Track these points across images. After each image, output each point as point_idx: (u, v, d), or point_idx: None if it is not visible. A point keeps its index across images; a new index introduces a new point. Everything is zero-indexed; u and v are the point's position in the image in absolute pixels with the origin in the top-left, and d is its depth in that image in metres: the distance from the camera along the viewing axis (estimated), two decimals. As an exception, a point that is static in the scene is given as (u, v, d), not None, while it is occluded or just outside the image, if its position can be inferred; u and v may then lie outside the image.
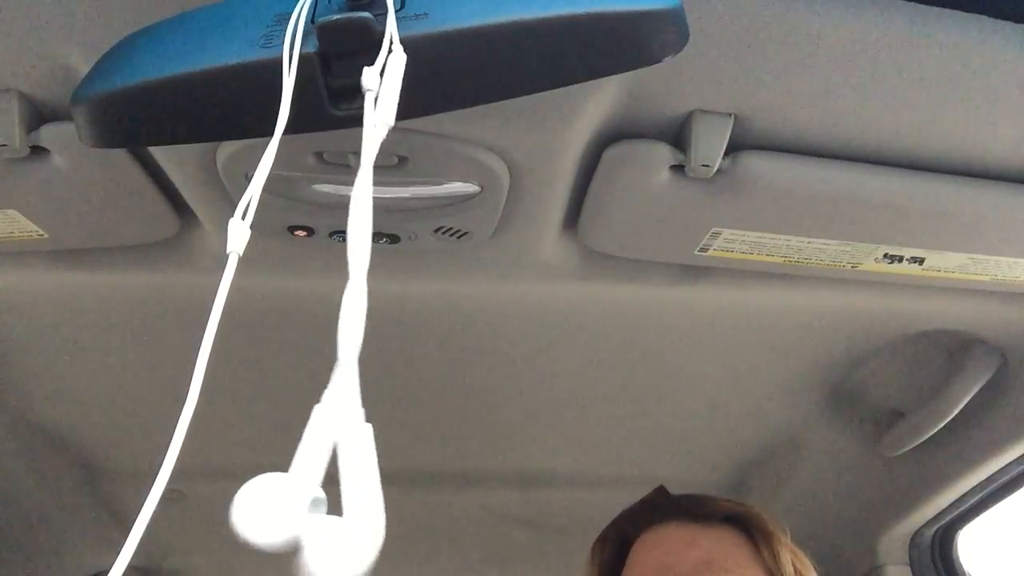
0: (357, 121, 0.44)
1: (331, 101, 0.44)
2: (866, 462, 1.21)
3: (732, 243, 0.78)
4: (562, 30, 0.43)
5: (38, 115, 0.64)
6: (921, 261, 0.80)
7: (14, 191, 0.70)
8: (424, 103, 0.45)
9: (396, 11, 0.42)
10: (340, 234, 0.75)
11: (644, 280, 0.87)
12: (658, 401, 1.14)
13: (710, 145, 0.66)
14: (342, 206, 0.73)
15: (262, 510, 0.25)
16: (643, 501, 1.01)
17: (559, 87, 0.47)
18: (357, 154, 0.67)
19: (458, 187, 0.69)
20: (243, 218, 0.35)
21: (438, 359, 1.03)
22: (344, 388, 0.28)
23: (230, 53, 0.44)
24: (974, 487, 1.12)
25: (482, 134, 0.65)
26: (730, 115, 0.65)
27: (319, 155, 0.65)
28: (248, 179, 0.37)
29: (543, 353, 1.02)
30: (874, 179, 0.70)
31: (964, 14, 0.58)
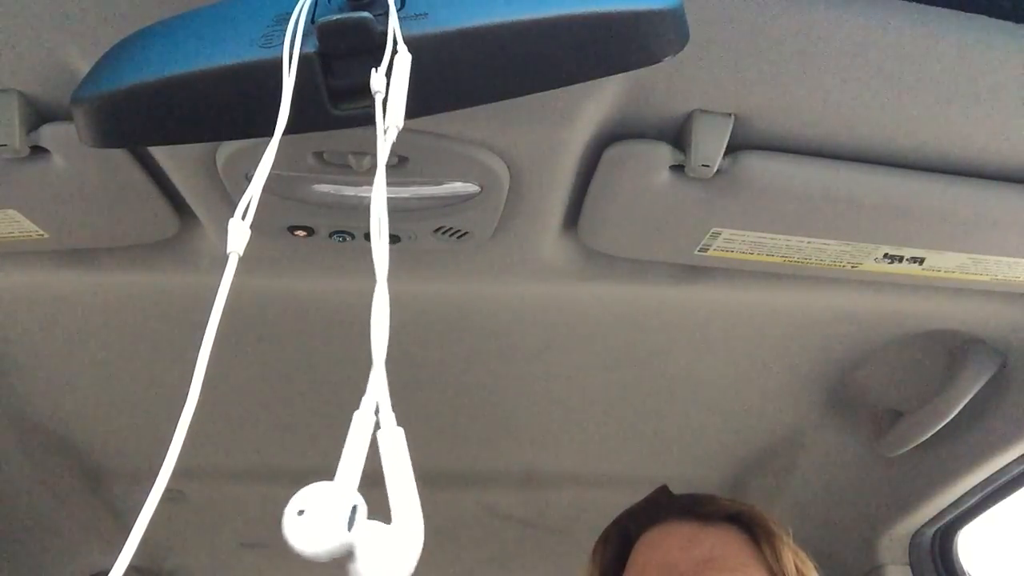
0: (357, 121, 0.44)
1: (331, 101, 0.44)
2: (866, 462, 1.21)
3: (732, 243, 0.78)
4: (562, 30, 0.43)
5: (38, 115, 0.64)
6: (921, 261, 0.80)
7: (14, 191, 0.70)
8: (425, 103, 0.45)
9: (397, 11, 0.42)
10: (340, 234, 0.75)
11: (644, 280, 0.87)
12: (658, 401, 1.14)
13: (710, 145, 0.66)
14: (342, 206, 0.73)
15: (315, 521, 0.25)
16: (645, 500, 1.01)
17: (559, 87, 0.47)
18: (357, 154, 0.67)
19: (458, 187, 0.69)
20: (243, 218, 0.35)
21: (438, 359, 1.03)
22: (378, 394, 0.29)
23: (230, 53, 0.44)
24: (974, 487, 1.12)
25: (482, 134, 0.65)
26: (730, 115, 0.65)
27: (319, 155, 0.65)
28: (248, 179, 0.37)
29: (543, 353, 1.02)
30: (874, 179, 0.70)
31: (964, 14, 0.58)
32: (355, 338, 0.98)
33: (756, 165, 0.68)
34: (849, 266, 0.81)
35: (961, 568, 1.25)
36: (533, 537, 1.57)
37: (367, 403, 0.29)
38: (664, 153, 0.68)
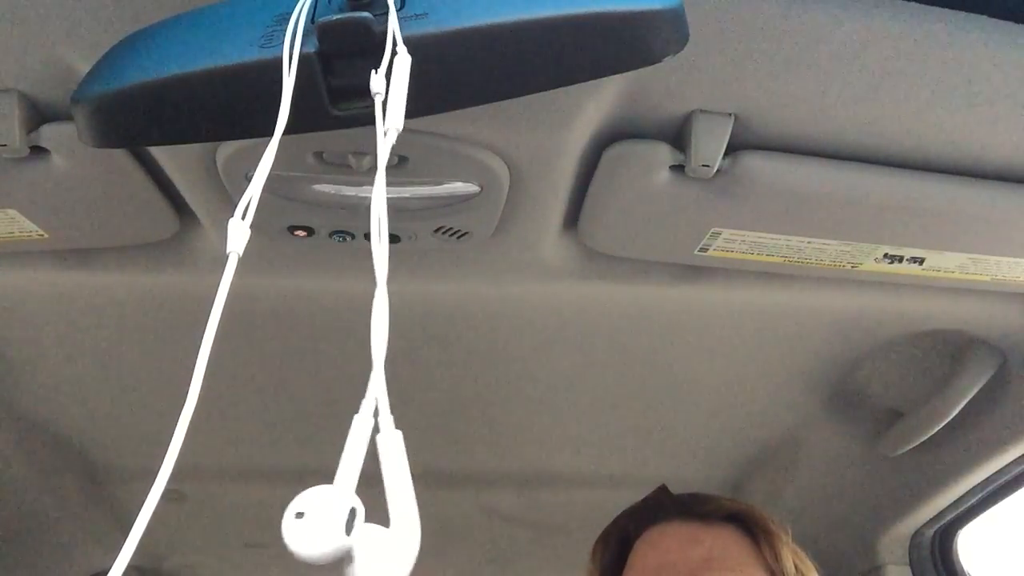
0: (357, 121, 0.44)
1: (331, 101, 0.44)
2: (866, 462, 1.21)
3: (732, 243, 0.78)
4: (562, 30, 0.43)
5: (38, 115, 0.64)
6: (921, 261, 0.80)
7: (14, 191, 0.70)
8: (425, 103, 0.45)
9: (397, 11, 0.42)
10: (340, 234, 0.75)
11: (644, 280, 0.87)
12: (658, 401, 1.14)
13: (710, 145, 0.66)
14: (342, 206, 0.73)
15: (313, 525, 0.25)
16: (645, 500, 1.01)
17: (559, 87, 0.47)
18: (357, 154, 0.67)
19: (458, 187, 0.69)
20: (243, 218, 0.35)
21: (438, 359, 1.03)
22: (378, 398, 0.29)
23: (230, 53, 0.44)
24: (974, 487, 1.12)
25: (482, 134, 0.65)
26: (730, 115, 0.65)
27: (319, 155, 0.65)
28: (248, 179, 0.37)
29: (543, 353, 1.02)
30: (874, 179, 0.70)
31: (964, 14, 0.58)
32: (355, 338, 0.98)
33: (756, 165, 0.68)
34: (849, 266, 0.81)
35: (961, 568, 1.25)
36: (533, 537, 1.57)
37: (366, 406, 0.29)
38: (664, 153, 0.68)
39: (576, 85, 0.48)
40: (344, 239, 0.76)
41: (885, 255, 0.79)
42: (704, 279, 0.87)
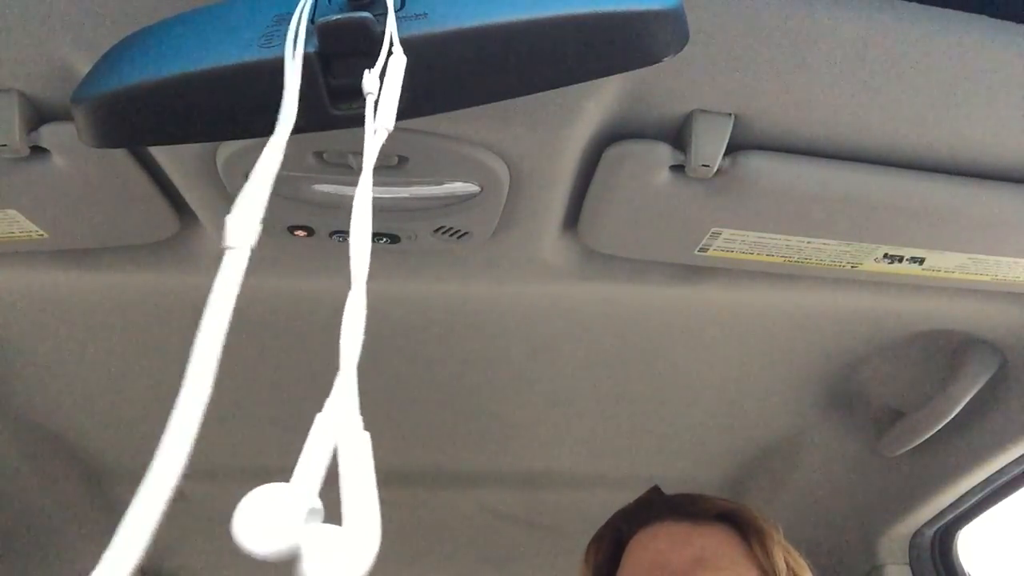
0: (357, 121, 0.44)
1: (331, 101, 0.44)
2: (866, 462, 1.21)
3: (732, 243, 0.78)
4: (562, 30, 0.43)
5: (38, 115, 0.64)
6: (921, 261, 0.80)
7: (14, 191, 0.70)
8: (424, 103, 0.45)
9: (396, 11, 0.42)
10: (340, 234, 0.75)
11: (644, 280, 0.87)
12: (658, 401, 1.14)
13: (710, 145, 0.66)
14: (342, 206, 0.73)
15: (261, 521, 0.25)
16: (637, 501, 1.01)
17: (559, 87, 0.47)
18: (357, 154, 0.67)
19: (458, 187, 0.69)
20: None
21: (438, 359, 1.03)
22: (344, 396, 0.29)
23: (230, 53, 0.44)
24: (974, 487, 1.12)
25: (482, 134, 0.65)
26: (730, 115, 0.65)
27: (319, 155, 0.65)
28: (248, 179, 0.37)
29: (543, 353, 1.02)
30: (874, 179, 0.70)
31: (964, 14, 0.58)
32: (355, 338, 0.98)
33: (756, 165, 0.68)
34: (849, 266, 0.81)
35: (961, 568, 1.25)
36: (533, 537, 1.57)
37: (330, 404, 0.29)
38: (664, 153, 0.68)
39: (576, 85, 0.48)
40: (344, 239, 0.76)
41: (885, 255, 0.79)
42: (704, 279, 0.87)
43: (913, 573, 1.25)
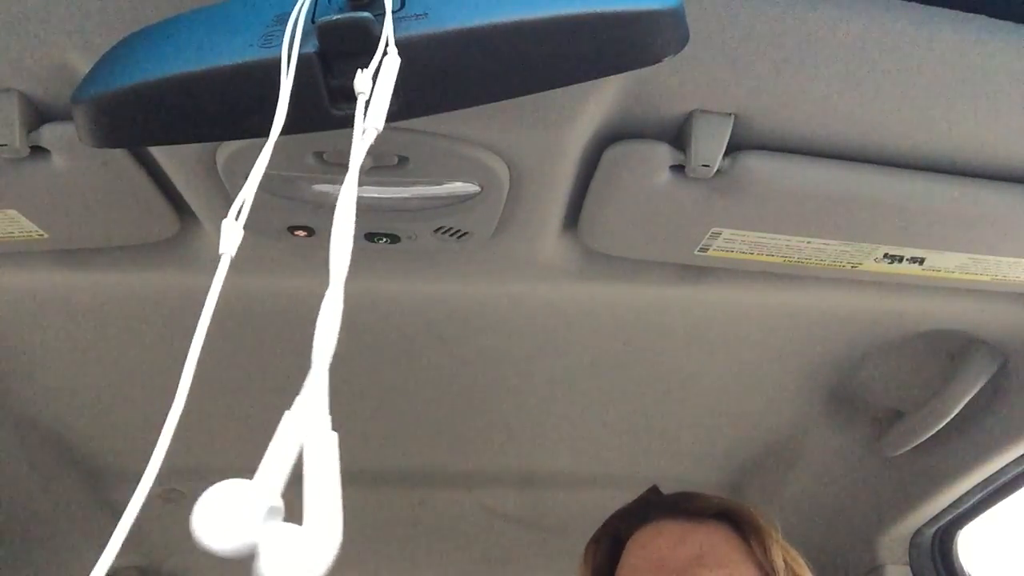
0: (357, 121, 0.44)
1: (331, 101, 0.44)
2: (866, 462, 1.21)
3: (732, 243, 0.78)
4: (562, 30, 0.43)
5: (38, 115, 0.64)
6: (921, 261, 0.80)
7: (14, 191, 0.70)
8: (424, 103, 0.45)
9: (396, 11, 0.42)
10: (340, 234, 0.75)
11: (644, 280, 0.87)
12: (658, 401, 1.14)
13: (710, 145, 0.66)
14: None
15: (219, 517, 0.25)
16: (636, 500, 1.01)
17: (559, 87, 0.47)
18: (357, 154, 0.67)
19: (458, 187, 0.69)
20: (236, 219, 0.35)
21: (438, 359, 1.03)
22: (314, 395, 0.29)
23: (230, 53, 0.44)
24: (974, 487, 1.12)
25: (482, 134, 0.65)
26: (730, 115, 0.65)
27: (319, 155, 0.65)
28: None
29: (543, 353, 1.02)
30: (874, 179, 0.70)
31: (964, 14, 0.58)
32: (355, 337, 0.98)
33: (756, 165, 0.68)
34: (849, 266, 0.81)
35: (961, 568, 1.25)
36: (532, 537, 1.57)
37: (300, 403, 0.29)
38: (664, 153, 0.68)
39: (576, 85, 0.48)
40: (344, 239, 0.76)
41: (885, 255, 0.79)
42: (704, 279, 0.87)
43: (913, 573, 1.25)
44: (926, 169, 0.71)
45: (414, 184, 0.69)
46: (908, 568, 1.25)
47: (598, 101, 0.63)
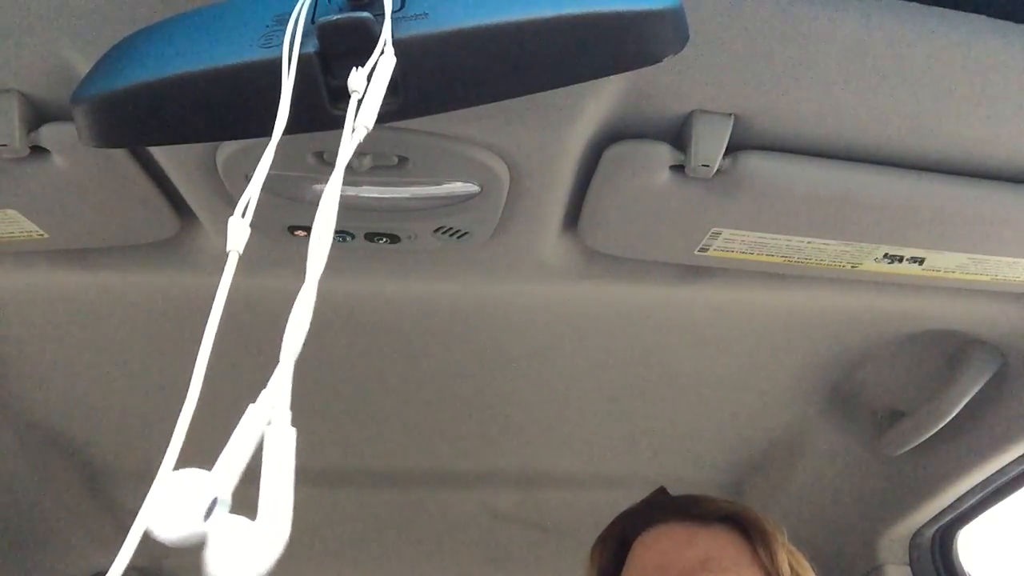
0: (356, 121, 0.44)
1: (331, 101, 0.44)
2: (866, 462, 1.21)
3: (732, 243, 0.78)
4: (562, 30, 0.43)
5: (38, 115, 0.64)
6: (921, 261, 0.80)
7: (14, 191, 0.70)
8: (424, 103, 0.45)
9: (396, 11, 0.42)
10: (341, 234, 0.75)
11: (644, 280, 0.87)
12: (658, 401, 1.14)
13: (710, 145, 0.66)
14: (342, 206, 0.73)
15: (172, 507, 0.25)
16: (642, 502, 1.01)
17: (559, 87, 0.47)
18: (358, 154, 0.67)
19: (458, 187, 0.69)
20: (243, 217, 0.35)
21: (438, 359, 1.03)
22: (278, 389, 0.29)
23: (230, 53, 0.44)
24: (974, 487, 1.12)
25: (482, 134, 0.65)
26: (730, 115, 0.65)
27: (319, 155, 0.65)
28: (248, 179, 0.37)
29: (543, 353, 1.02)
30: (874, 179, 0.70)
31: (964, 14, 0.58)
32: (356, 337, 0.98)
33: (756, 165, 0.68)
34: (849, 266, 0.81)
35: (961, 568, 1.25)
36: (533, 537, 1.57)
37: (265, 397, 0.29)
38: (664, 153, 0.68)
39: (576, 85, 0.48)
40: (344, 239, 0.76)
41: (885, 255, 0.79)
42: (704, 279, 0.87)
43: (913, 573, 1.25)
44: (926, 169, 0.71)
45: (414, 184, 0.69)
46: (908, 568, 1.25)
47: (598, 101, 0.63)
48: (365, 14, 0.41)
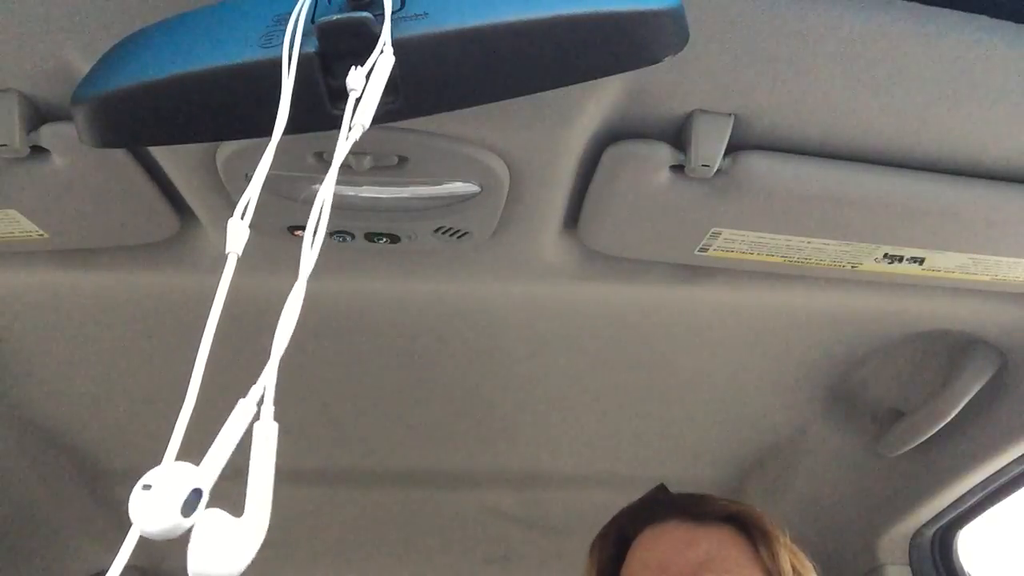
0: (356, 121, 0.44)
1: (330, 101, 0.44)
2: (866, 462, 1.21)
3: (732, 243, 0.78)
4: (562, 30, 0.43)
5: (38, 115, 0.64)
6: (921, 261, 0.80)
7: (14, 191, 0.70)
8: (424, 103, 0.45)
9: (396, 11, 0.42)
10: (340, 234, 0.75)
11: (644, 280, 0.87)
12: (658, 401, 1.14)
13: (710, 145, 0.66)
14: (342, 206, 0.73)
15: (155, 501, 0.25)
16: (643, 500, 1.01)
17: (559, 87, 0.47)
18: (357, 154, 0.67)
19: (458, 187, 0.69)
20: (242, 218, 0.35)
21: (438, 359, 1.03)
22: (265, 386, 0.29)
23: (230, 53, 0.44)
24: (974, 487, 1.12)
25: (482, 134, 0.65)
26: (730, 115, 0.65)
27: (319, 155, 0.65)
28: (248, 179, 0.37)
29: (543, 353, 1.02)
30: (874, 179, 0.70)
31: (964, 14, 0.58)
32: (356, 337, 0.98)
33: (756, 165, 0.68)
34: (849, 266, 0.81)
35: (961, 568, 1.25)
36: (533, 537, 1.57)
37: (254, 393, 0.29)
38: (664, 153, 0.68)
39: (576, 85, 0.48)
40: (344, 239, 0.76)
41: (885, 255, 0.79)
42: (704, 279, 0.87)
43: (913, 573, 1.25)
44: (926, 169, 0.71)
45: (414, 184, 0.69)
46: (908, 568, 1.25)
47: (598, 101, 0.63)
48: (365, 14, 0.41)
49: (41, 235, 0.76)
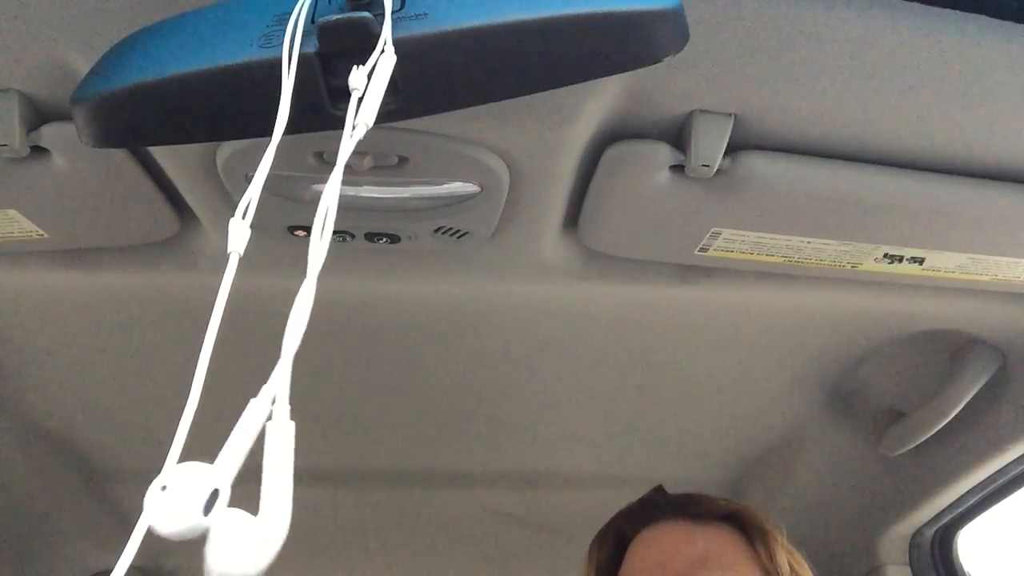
0: (357, 121, 0.44)
1: (331, 101, 0.44)
2: (866, 462, 1.21)
3: (732, 243, 0.78)
4: (562, 30, 0.43)
5: (38, 115, 0.64)
6: (921, 261, 0.80)
7: (14, 191, 0.70)
8: (424, 103, 0.45)
9: (396, 11, 0.42)
10: (340, 234, 0.75)
11: (644, 280, 0.87)
12: (658, 401, 1.14)
13: (710, 145, 0.66)
14: (342, 206, 0.73)
15: (172, 500, 0.25)
16: (641, 500, 1.01)
17: (559, 87, 0.47)
18: (357, 154, 0.67)
19: (458, 187, 0.70)
20: (243, 218, 0.35)
21: (438, 359, 1.03)
22: (279, 384, 0.29)
23: (230, 53, 0.44)
24: (974, 487, 1.12)
25: (482, 134, 0.65)
26: (730, 115, 0.65)
27: (319, 155, 0.65)
28: (248, 179, 0.37)
29: (543, 353, 1.02)
30: (874, 179, 0.70)
31: (964, 14, 0.58)
32: (356, 337, 0.98)
33: (756, 165, 0.68)
34: (849, 266, 0.81)
35: (961, 568, 1.25)
36: (533, 537, 1.57)
37: (267, 392, 0.29)
38: (664, 153, 0.68)
39: (576, 85, 0.48)
40: (344, 239, 0.76)
41: (885, 255, 0.79)
42: (704, 279, 0.87)
43: (913, 573, 1.25)
44: (926, 169, 0.71)
45: (414, 184, 0.69)
46: (908, 568, 1.25)
47: (598, 101, 0.63)
48: (365, 14, 0.41)
49: (41, 235, 0.76)
